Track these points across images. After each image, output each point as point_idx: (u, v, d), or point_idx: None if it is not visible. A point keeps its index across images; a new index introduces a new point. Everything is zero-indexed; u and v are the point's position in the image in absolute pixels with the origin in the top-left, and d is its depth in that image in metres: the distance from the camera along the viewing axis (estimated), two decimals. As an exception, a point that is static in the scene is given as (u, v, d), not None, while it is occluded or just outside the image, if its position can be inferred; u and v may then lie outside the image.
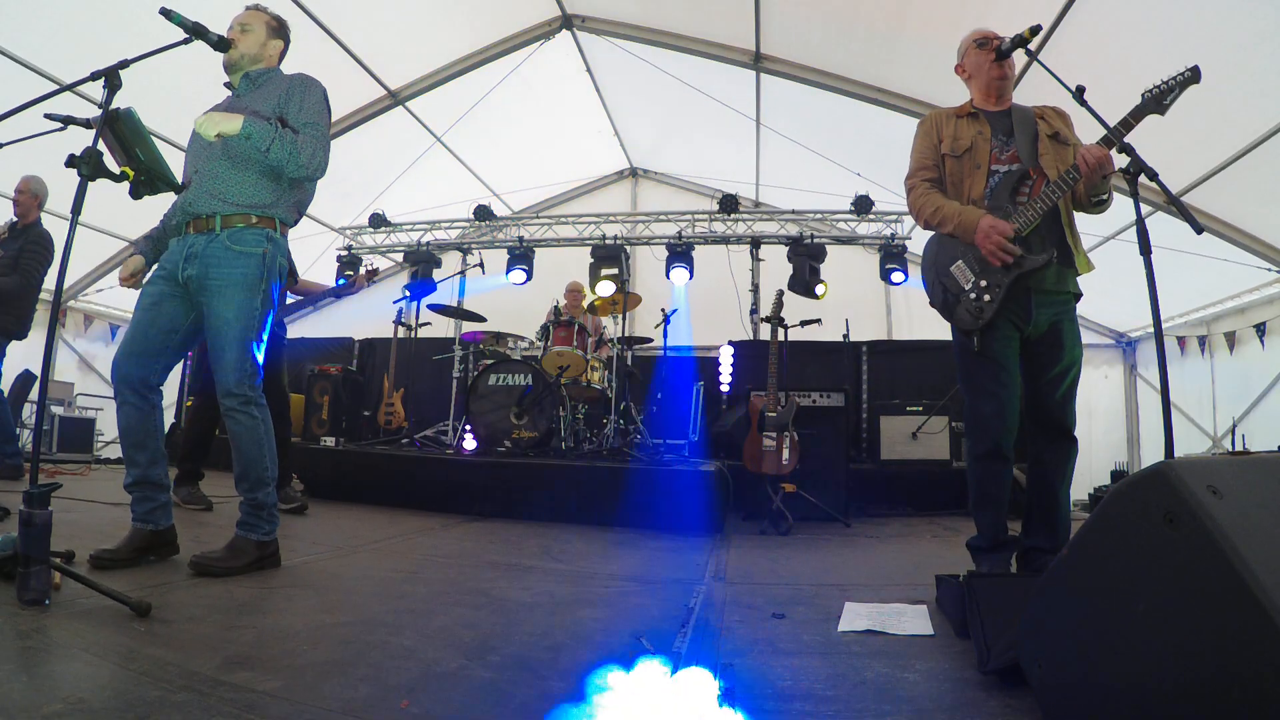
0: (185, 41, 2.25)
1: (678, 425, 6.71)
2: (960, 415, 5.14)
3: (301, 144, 2.27)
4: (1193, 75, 1.99)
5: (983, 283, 2.21)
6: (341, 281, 6.27)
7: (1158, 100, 2.01)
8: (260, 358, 2.33)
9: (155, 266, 2.36)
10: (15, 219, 4.28)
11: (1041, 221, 2.18)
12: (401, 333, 7.01)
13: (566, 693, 1.33)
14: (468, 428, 5.25)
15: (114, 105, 1.98)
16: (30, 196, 4.26)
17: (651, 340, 6.08)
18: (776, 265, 7.42)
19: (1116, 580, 1.11)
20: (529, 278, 7.88)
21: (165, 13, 2.20)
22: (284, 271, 2.42)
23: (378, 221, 8.25)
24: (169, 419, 7.54)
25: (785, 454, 4.12)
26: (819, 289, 6.97)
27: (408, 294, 6.84)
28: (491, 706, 1.26)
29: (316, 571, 2.37)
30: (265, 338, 2.36)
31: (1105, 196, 2.21)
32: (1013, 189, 2.24)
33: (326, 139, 2.36)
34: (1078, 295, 2.31)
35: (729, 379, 6.57)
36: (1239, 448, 6.07)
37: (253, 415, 2.30)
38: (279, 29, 2.52)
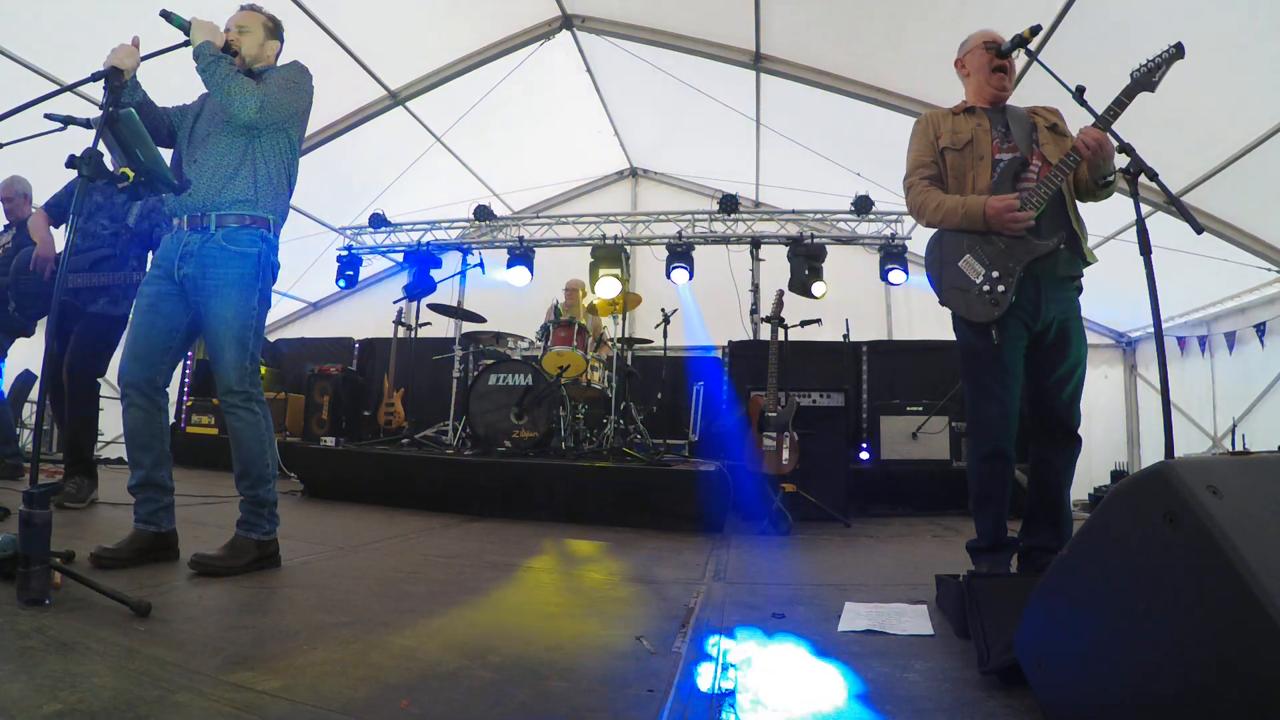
0: (185, 44, 2.26)
1: (678, 425, 6.72)
2: (960, 415, 5.18)
3: (242, 79, 2.23)
4: (1177, 51, 2.00)
5: (994, 274, 2.20)
6: None
7: (1147, 78, 2.02)
8: (258, 355, 2.35)
9: (150, 266, 2.37)
10: (9, 222, 4.28)
11: (1048, 207, 2.18)
12: (401, 333, 7.01)
13: (566, 692, 1.33)
14: (468, 428, 5.25)
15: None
16: (18, 197, 4.25)
17: (651, 340, 6.08)
18: (776, 265, 7.42)
19: (1116, 580, 1.11)
20: (529, 278, 7.88)
21: (165, 14, 2.22)
22: (276, 270, 2.43)
23: (378, 221, 8.25)
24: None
25: (785, 454, 4.12)
26: (816, 288, 6.97)
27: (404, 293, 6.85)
28: (491, 706, 1.26)
29: (316, 571, 2.37)
30: (262, 335, 2.38)
31: (1111, 178, 2.21)
32: (1013, 177, 2.24)
33: (277, 96, 2.29)
34: (1080, 288, 2.31)
35: (729, 379, 6.56)
36: (1239, 448, 6.06)
37: (254, 411, 2.31)
38: (275, 29, 2.52)
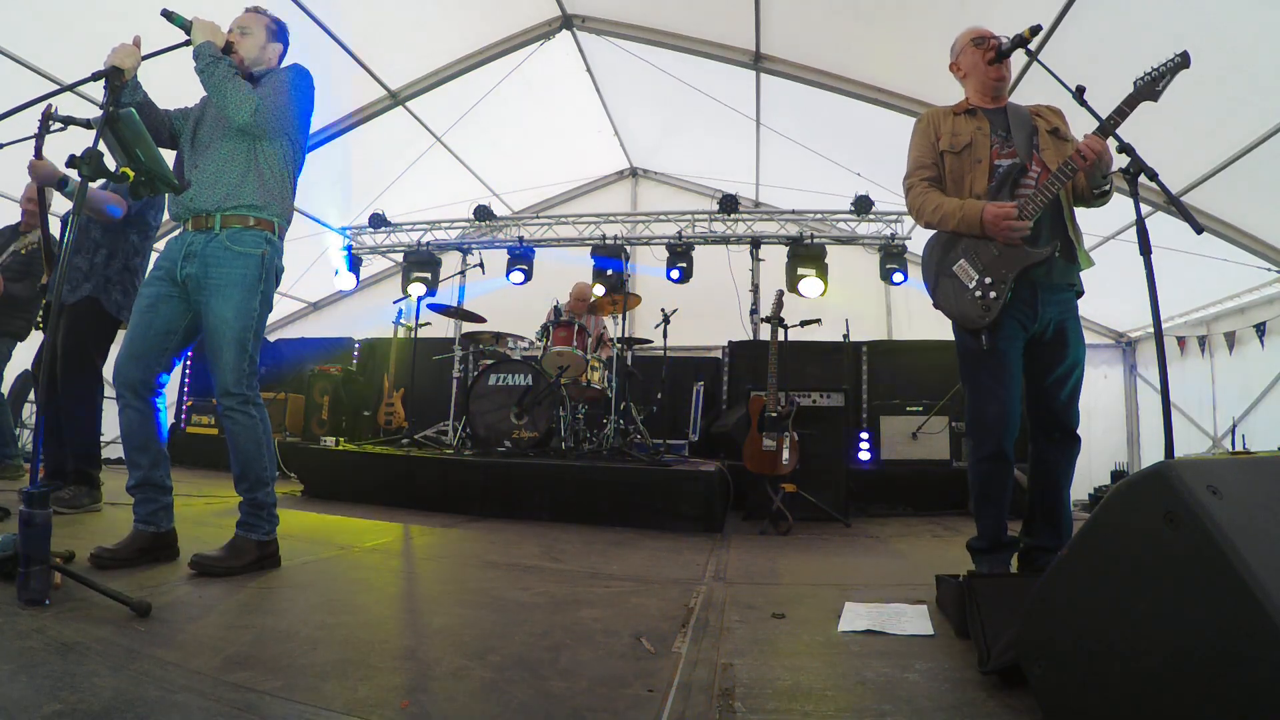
0: (186, 44, 2.26)
1: (678, 425, 6.72)
2: (960, 415, 5.18)
3: (239, 82, 2.23)
4: (1182, 61, 1.99)
5: (987, 280, 2.21)
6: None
7: (1150, 87, 2.02)
8: (257, 357, 2.34)
9: (152, 266, 2.37)
10: (20, 223, 4.29)
11: (1044, 215, 2.18)
12: (401, 333, 7.01)
13: (566, 692, 1.33)
14: (468, 428, 5.25)
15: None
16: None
17: (651, 341, 6.08)
18: (776, 265, 7.43)
19: (1116, 580, 1.11)
20: (529, 278, 7.89)
21: (166, 14, 2.22)
22: (280, 274, 2.43)
23: (378, 221, 8.26)
24: (168, 420, 7.54)
25: (785, 454, 4.12)
26: (805, 286, 6.96)
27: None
28: (491, 706, 1.26)
29: (316, 571, 2.38)
30: (262, 338, 2.38)
31: (1107, 188, 2.21)
32: (1012, 183, 2.24)
33: (273, 99, 2.29)
34: (1079, 292, 2.31)
35: (728, 379, 6.56)
36: (1239, 448, 6.07)
37: (251, 415, 2.30)
38: (278, 32, 2.51)
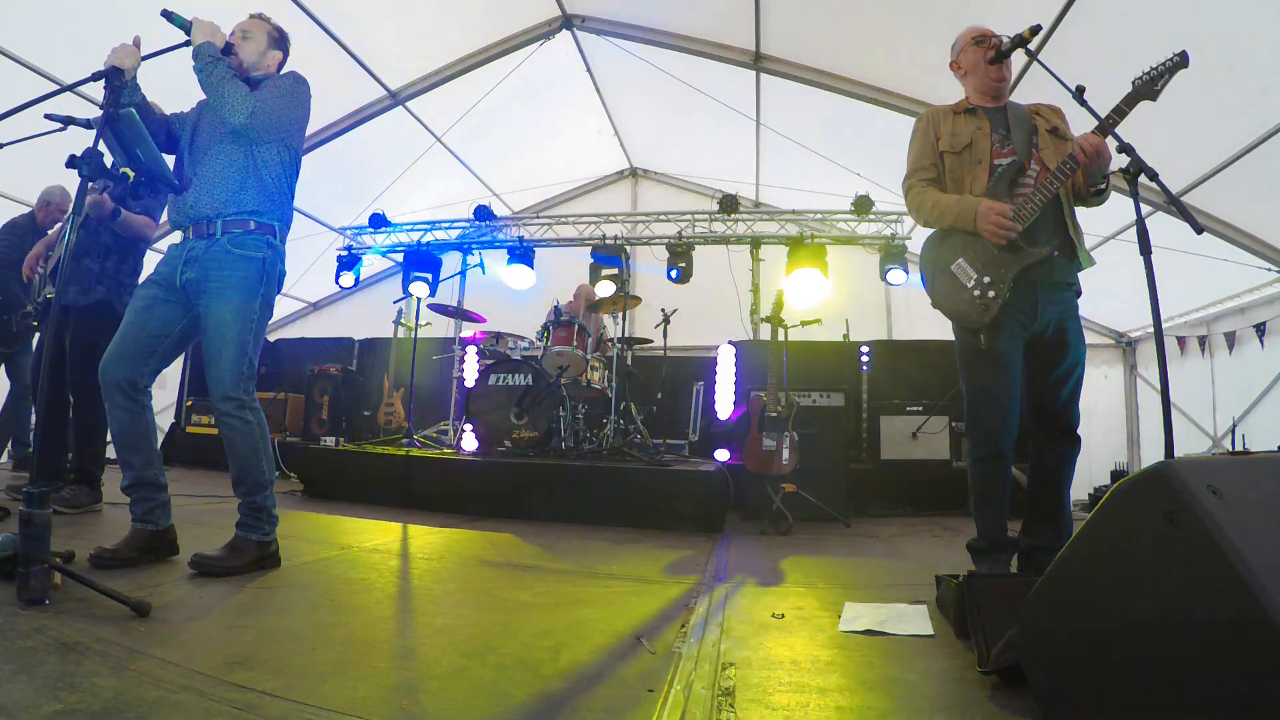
0: (186, 44, 2.27)
1: (677, 425, 6.71)
2: (960, 415, 5.18)
3: (237, 83, 2.24)
4: (1181, 60, 1.99)
5: (986, 279, 2.20)
6: None
7: (1149, 86, 2.02)
8: (255, 361, 2.34)
9: (152, 270, 2.37)
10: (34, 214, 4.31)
11: (1044, 214, 2.18)
12: (402, 333, 7.01)
13: (566, 692, 1.33)
14: (468, 427, 5.25)
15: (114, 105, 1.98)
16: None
17: (651, 340, 6.08)
18: (776, 265, 7.42)
19: (1116, 580, 1.11)
20: (531, 280, 7.89)
21: (166, 14, 2.22)
22: (282, 277, 2.43)
23: (378, 221, 8.26)
24: (168, 419, 7.55)
25: (785, 454, 4.12)
26: (804, 287, 6.94)
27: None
28: (491, 706, 1.26)
29: (316, 571, 2.38)
30: (261, 342, 2.38)
31: (1104, 186, 2.21)
32: (1010, 182, 2.24)
33: (270, 104, 2.29)
34: (1079, 292, 2.31)
35: (731, 381, 6.54)
36: (1239, 448, 6.06)
37: (247, 420, 2.30)
38: (280, 40, 2.51)
